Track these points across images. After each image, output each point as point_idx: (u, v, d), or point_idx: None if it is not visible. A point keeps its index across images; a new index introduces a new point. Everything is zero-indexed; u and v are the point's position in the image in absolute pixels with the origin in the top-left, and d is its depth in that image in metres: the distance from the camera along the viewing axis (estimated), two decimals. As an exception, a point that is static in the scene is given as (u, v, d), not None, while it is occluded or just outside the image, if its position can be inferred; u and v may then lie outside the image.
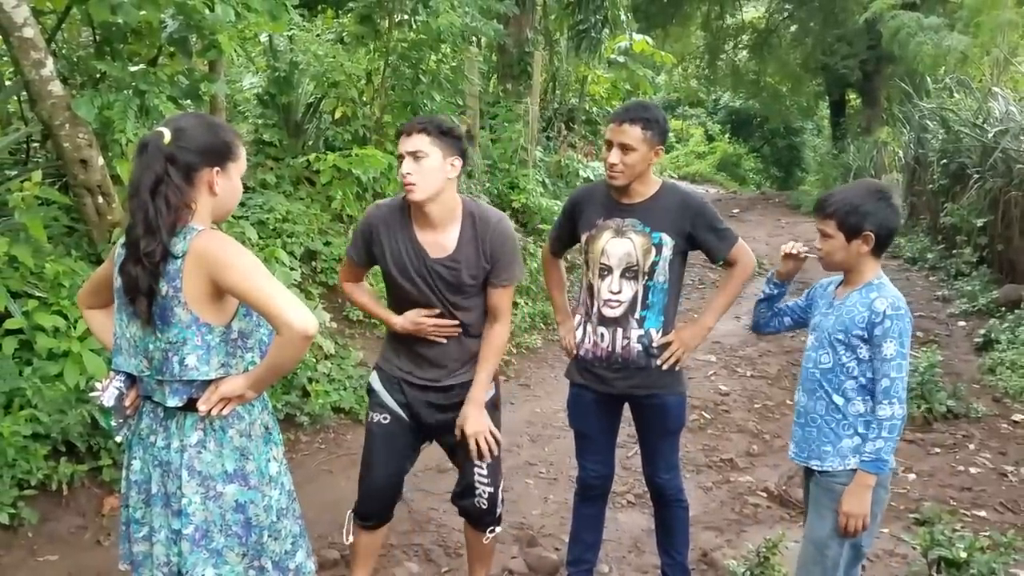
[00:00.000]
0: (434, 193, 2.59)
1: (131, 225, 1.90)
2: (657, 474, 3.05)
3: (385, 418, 2.78)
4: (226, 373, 1.95)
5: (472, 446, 2.71)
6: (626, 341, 2.86)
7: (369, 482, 2.83)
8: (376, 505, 2.85)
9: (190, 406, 1.96)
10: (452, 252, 2.66)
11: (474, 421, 2.70)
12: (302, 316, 1.84)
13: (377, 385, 2.82)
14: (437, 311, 2.69)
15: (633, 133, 2.72)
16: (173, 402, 1.95)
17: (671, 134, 15.16)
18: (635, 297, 2.85)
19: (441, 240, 2.66)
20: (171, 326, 1.90)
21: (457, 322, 2.70)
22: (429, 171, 2.56)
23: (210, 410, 1.94)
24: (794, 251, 2.57)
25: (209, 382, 1.95)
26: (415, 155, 2.55)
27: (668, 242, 2.81)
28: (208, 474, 1.96)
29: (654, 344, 2.86)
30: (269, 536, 2.05)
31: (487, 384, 2.75)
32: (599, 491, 3.15)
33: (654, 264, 2.82)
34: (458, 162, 2.63)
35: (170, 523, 1.98)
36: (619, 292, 2.85)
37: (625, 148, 2.73)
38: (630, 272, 2.83)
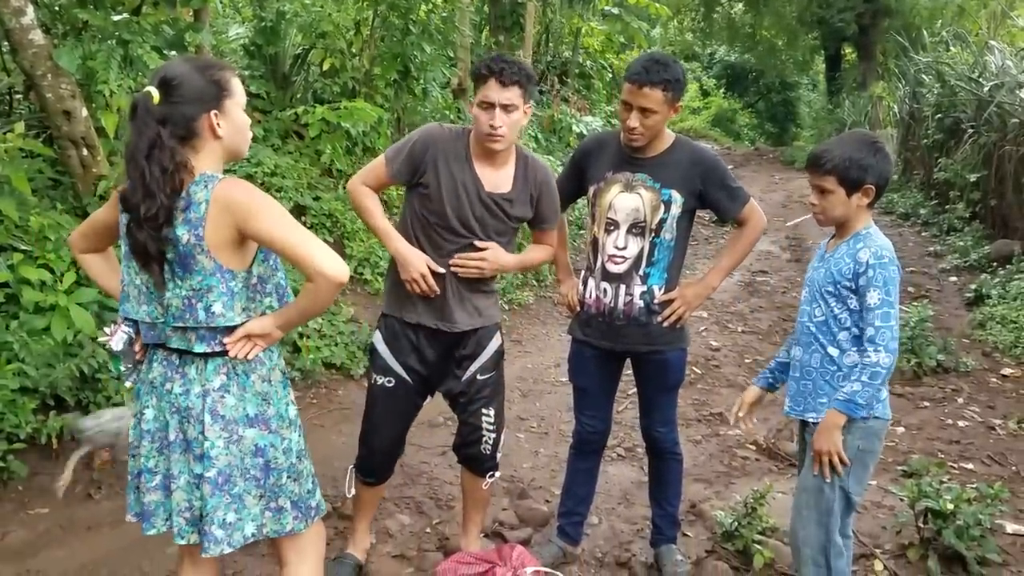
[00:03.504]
0: (512, 142, 2.64)
1: (130, 191, 1.87)
2: (654, 427, 3.04)
3: (389, 381, 2.77)
4: (248, 318, 1.96)
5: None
6: (629, 297, 2.82)
7: (372, 444, 2.85)
8: (379, 465, 2.89)
9: (216, 352, 1.96)
10: (507, 191, 2.69)
11: (501, 253, 2.72)
12: (334, 263, 1.87)
13: (381, 346, 2.78)
14: (442, 271, 2.66)
15: (654, 97, 2.62)
16: (200, 348, 1.94)
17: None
18: (640, 254, 2.80)
19: (496, 177, 2.68)
20: (194, 273, 1.89)
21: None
22: (515, 124, 2.59)
23: (237, 352, 1.95)
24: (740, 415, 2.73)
25: (233, 327, 1.95)
26: (507, 108, 2.54)
27: (677, 199, 2.75)
28: (231, 418, 1.98)
29: (656, 300, 2.83)
30: (289, 478, 2.07)
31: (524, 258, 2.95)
32: (595, 446, 3.15)
33: (662, 221, 2.76)
34: (531, 108, 2.68)
35: (191, 468, 1.99)
36: (624, 248, 2.80)
37: (646, 112, 2.65)
38: (637, 228, 2.78)
